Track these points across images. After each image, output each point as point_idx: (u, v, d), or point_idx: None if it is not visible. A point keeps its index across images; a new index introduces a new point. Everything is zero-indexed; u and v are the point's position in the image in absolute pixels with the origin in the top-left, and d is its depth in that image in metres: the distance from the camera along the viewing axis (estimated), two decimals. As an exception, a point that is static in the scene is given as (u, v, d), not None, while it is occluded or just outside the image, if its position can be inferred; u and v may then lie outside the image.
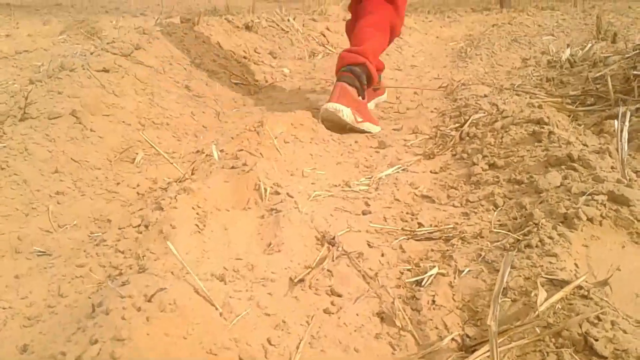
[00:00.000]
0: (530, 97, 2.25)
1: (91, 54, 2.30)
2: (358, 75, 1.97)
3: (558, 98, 2.28)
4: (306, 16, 4.16)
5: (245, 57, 2.90)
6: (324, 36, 3.76)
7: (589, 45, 2.78)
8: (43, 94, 1.89)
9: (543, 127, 1.48)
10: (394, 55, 3.33)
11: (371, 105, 2.34)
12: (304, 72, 2.89)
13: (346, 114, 1.90)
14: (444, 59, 3.63)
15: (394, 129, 2.08)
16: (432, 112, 2.31)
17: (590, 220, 1.00)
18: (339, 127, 1.96)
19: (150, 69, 2.25)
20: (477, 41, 3.77)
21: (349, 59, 1.99)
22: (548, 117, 1.57)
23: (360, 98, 1.99)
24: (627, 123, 1.24)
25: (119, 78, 2.07)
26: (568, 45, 3.02)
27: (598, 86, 2.31)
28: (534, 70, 2.75)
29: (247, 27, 3.15)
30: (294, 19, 4.08)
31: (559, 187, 1.17)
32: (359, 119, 1.96)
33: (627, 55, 2.40)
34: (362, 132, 1.99)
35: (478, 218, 1.18)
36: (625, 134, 1.22)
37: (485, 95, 2.30)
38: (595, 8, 8.36)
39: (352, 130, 1.96)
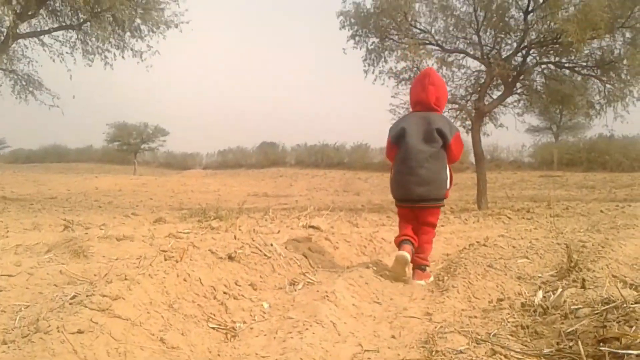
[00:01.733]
0: (505, 357, 2.27)
1: (70, 304, 2.33)
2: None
3: (533, 358, 2.30)
4: (291, 232, 4.33)
5: (225, 292, 2.94)
6: (306, 257, 3.88)
7: (560, 290, 2.88)
8: (11, 366, 1.87)
9: None
10: (372, 285, 3.40)
11: (422, 282, 3.82)
12: (283, 309, 2.91)
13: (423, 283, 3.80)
14: (421, 290, 3.68)
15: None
16: (408, 368, 2.30)
17: None
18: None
19: (126, 322, 2.26)
20: (454, 267, 3.89)
21: (419, 262, 3.89)
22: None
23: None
24: None
25: (93, 339, 2.07)
26: (540, 288, 3.13)
27: (571, 344, 2.34)
28: (508, 314, 2.81)
29: (230, 257, 3.26)
30: (278, 232, 4.25)
31: None
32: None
33: (596, 311, 2.48)
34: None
35: None
36: None
37: (462, 352, 2.31)
38: (568, 209, 8.85)
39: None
